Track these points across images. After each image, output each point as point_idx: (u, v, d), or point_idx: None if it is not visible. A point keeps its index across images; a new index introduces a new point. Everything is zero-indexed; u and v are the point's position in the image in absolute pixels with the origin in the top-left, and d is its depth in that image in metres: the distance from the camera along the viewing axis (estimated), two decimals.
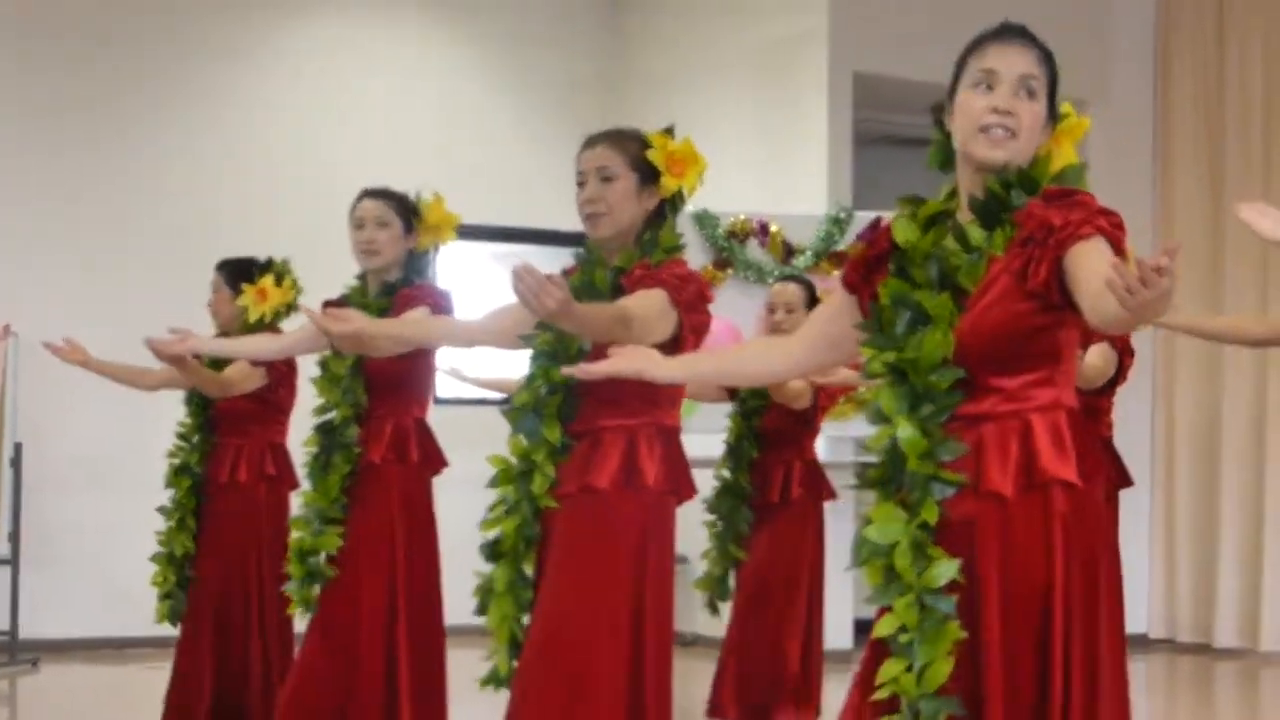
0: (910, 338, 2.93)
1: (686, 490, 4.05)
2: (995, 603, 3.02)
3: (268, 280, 6.27)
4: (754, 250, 8.07)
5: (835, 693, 4.00)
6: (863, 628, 5.75)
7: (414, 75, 9.90)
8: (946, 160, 3.15)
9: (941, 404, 3.02)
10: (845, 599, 8.08)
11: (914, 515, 3.02)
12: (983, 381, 2.95)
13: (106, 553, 8.61)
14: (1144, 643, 9.20)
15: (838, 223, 8.28)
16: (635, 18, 10.21)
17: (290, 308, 6.48)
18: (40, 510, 8.52)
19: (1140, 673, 8.39)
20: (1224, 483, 9.09)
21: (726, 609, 6.20)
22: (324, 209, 8.92)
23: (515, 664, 4.25)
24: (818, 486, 5.96)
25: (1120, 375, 5.70)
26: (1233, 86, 9.25)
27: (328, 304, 5.09)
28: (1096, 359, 5.29)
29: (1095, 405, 5.33)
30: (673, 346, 3.78)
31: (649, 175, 4.04)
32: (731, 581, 6.06)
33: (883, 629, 2.97)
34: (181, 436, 6.46)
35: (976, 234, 3.06)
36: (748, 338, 7.58)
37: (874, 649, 3.05)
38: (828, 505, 6.30)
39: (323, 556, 5.25)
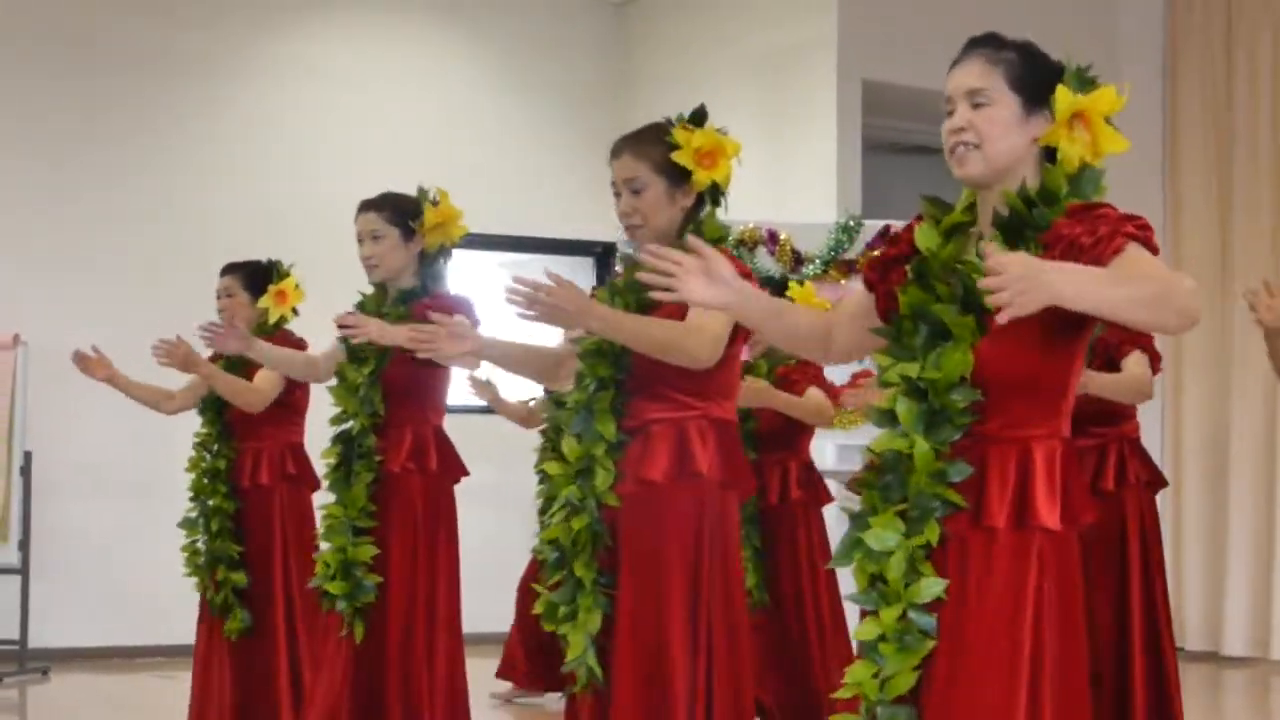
0: (929, 354, 3.00)
1: (746, 484, 4.10)
2: (971, 621, 3.11)
3: (289, 282, 6.27)
4: (763, 258, 8.03)
5: None
6: None
7: (418, 80, 9.99)
8: None
9: (957, 424, 3.09)
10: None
11: (914, 531, 3.11)
12: (993, 402, 3.02)
13: (116, 561, 8.72)
14: None
15: (847, 231, 8.30)
16: (640, 22, 10.24)
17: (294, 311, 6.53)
18: (49, 519, 8.57)
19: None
20: (1233, 490, 9.17)
21: None
22: (328, 216, 9.08)
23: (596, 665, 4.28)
24: (816, 488, 5.95)
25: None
26: (1242, 94, 9.29)
27: (346, 314, 5.17)
28: (1138, 367, 5.12)
29: (1122, 410, 5.26)
30: (730, 341, 3.91)
31: (678, 176, 4.06)
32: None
33: (864, 634, 3.08)
34: (201, 444, 6.43)
35: (1000, 250, 3.06)
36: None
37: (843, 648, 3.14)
38: (829, 510, 6.34)
39: (363, 568, 5.31)
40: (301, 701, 6.12)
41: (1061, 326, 2.98)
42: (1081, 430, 4.40)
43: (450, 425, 5.69)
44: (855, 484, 3.20)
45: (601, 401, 3.99)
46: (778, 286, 6.27)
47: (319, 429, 5.80)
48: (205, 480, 6.45)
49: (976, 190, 3.11)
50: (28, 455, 8.43)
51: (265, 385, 6.04)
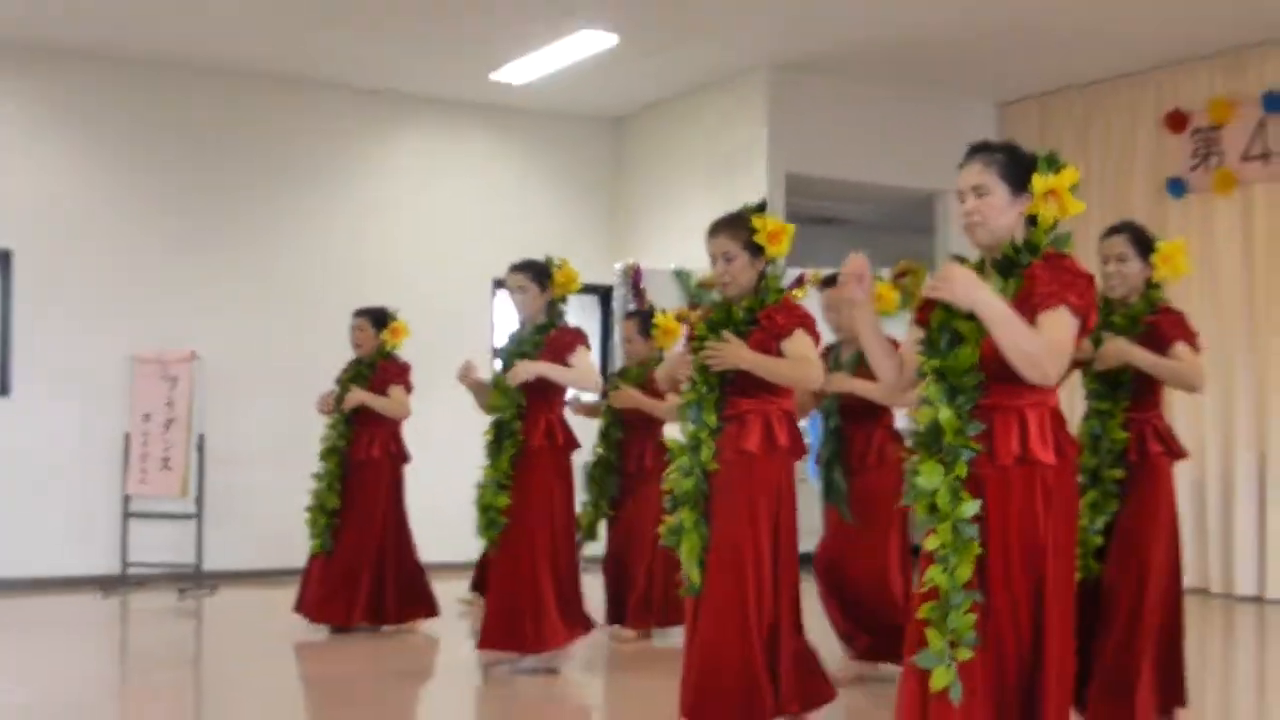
0: (950, 351, 3.08)
1: (801, 452, 4.19)
2: (997, 534, 3.09)
3: (400, 323, 6.87)
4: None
5: None
6: None
7: (468, 174, 9.95)
8: None
9: (969, 396, 3.11)
10: None
11: (950, 470, 3.08)
12: (995, 383, 3.09)
13: (261, 509, 8.85)
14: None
15: (773, 278, 8.32)
16: (629, 133, 10.35)
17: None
18: (216, 480, 8.75)
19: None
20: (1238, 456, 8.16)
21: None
22: (405, 271, 9.59)
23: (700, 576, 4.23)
24: (896, 450, 5.42)
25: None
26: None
27: (501, 347, 5.87)
28: (1187, 356, 4.17)
29: (1153, 392, 4.29)
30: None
31: (757, 249, 4.19)
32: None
33: (930, 544, 3.10)
34: (331, 426, 6.86)
35: (998, 282, 3.17)
36: None
37: (923, 560, 3.18)
38: None
39: (496, 511, 5.56)
40: (406, 608, 6.78)
41: None
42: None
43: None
44: (914, 447, 3.21)
45: (709, 401, 4.09)
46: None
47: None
48: (328, 452, 6.81)
49: (984, 250, 3.25)
50: (201, 437, 8.69)
51: (405, 400, 6.73)
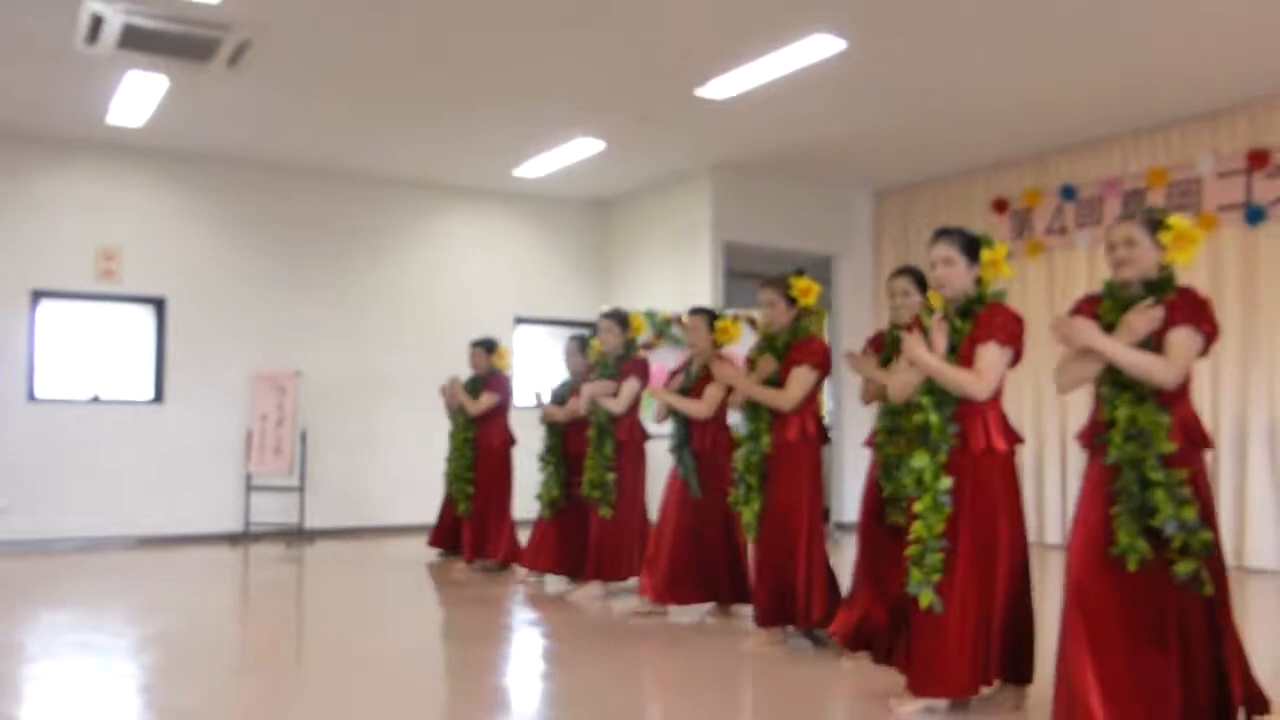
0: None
1: (823, 440, 4.13)
2: (966, 503, 3.11)
3: (504, 349, 6.83)
4: (675, 330, 8.26)
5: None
6: None
7: (499, 240, 9.91)
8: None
9: (950, 405, 3.15)
10: None
11: (935, 456, 3.13)
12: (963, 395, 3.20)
13: (348, 483, 8.95)
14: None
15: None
16: (615, 212, 10.25)
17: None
18: (315, 463, 8.83)
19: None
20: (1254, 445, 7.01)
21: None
22: (453, 313, 9.59)
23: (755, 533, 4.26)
24: (726, 439, 5.15)
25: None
26: (916, 249, 9.31)
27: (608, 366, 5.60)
28: (1169, 351, 3.02)
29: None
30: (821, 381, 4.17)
31: (792, 300, 4.28)
32: None
33: (916, 508, 3.16)
34: (464, 424, 6.81)
35: (958, 323, 3.30)
36: (665, 377, 7.23)
37: (909, 518, 3.20)
38: None
39: (603, 489, 5.45)
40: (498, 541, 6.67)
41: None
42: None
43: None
44: (909, 440, 3.26)
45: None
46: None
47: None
48: (461, 444, 6.76)
49: (950, 301, 3.36)
50: (303, 431, 8.73)
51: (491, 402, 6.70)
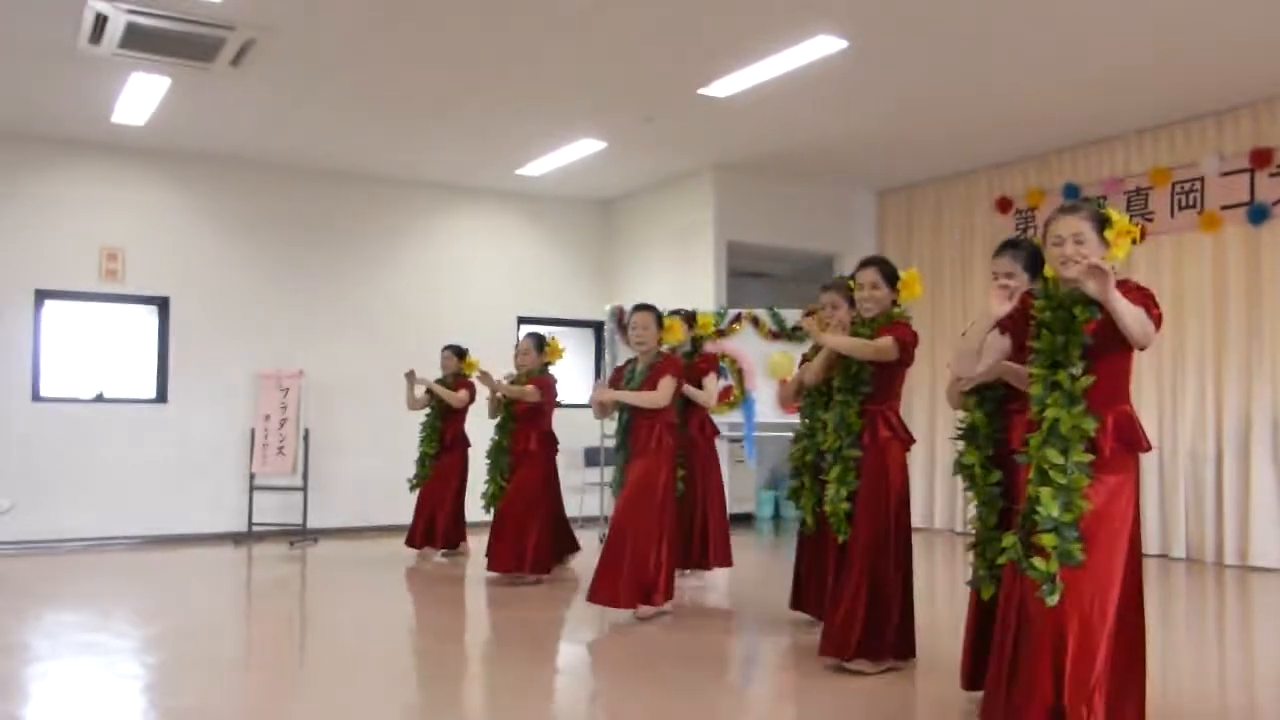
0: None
1: (911, 441, 4.08)
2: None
3: (555, 342, 6.44)
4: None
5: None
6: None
7: (500, 240, 9.98)
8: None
9: (996, 404, 3.26)
10: None
11: (982, 452, 3.26)
12: (1013, 393, 3.20)
13: (351, 485, 8.96)
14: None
15: (720, 315, 8.40)
16: (616, 211, 10.35)
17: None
18: (318, 463, 8.84)
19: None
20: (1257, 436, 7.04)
21: None
22: (456, 308, 9.56)
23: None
24: (670, 439, 5.13)
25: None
26: (919, 248, 9.44)
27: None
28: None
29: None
30: (899, 363, 3.96)
31: (853, 303, 4.12)
32: None
33: (974, 501, 3.28)
34: (498, 428, 6.44)
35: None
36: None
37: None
38: None
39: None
40: (545, 553, 6.17)
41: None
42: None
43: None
44: (959, 437, 3.33)
45: (820, 399, 4.20)
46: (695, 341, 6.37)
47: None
48: (498, 447, 6.36)
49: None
50: (306, 431, 8.77)
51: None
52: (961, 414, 3.36)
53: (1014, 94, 6.94)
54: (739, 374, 8.14)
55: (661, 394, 4.89)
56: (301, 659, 4.59)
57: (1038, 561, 2.66)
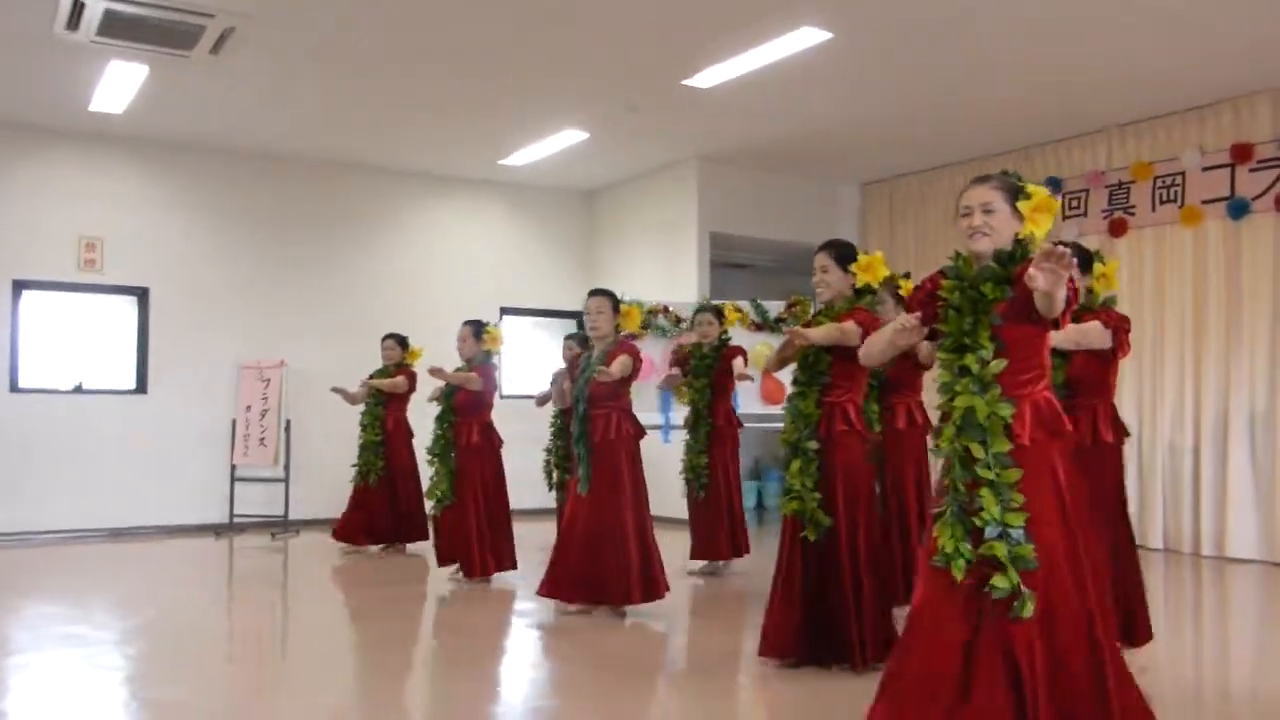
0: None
1: (869, 435, 3.97)
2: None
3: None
4: (661, 320, 8.09)
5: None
6: None
7: (482, 230, 9.94)
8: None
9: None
10: None
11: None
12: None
13: (330, 475, 8.63)
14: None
15: (702, 308, 8.39)
16: (599, 202, 10.34)
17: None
18: (299, 453, 8.86)
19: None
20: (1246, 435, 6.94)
21: None
22: (438, 297, 9.49)
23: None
24: (630, 427, 5.00)
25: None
26: (902, 240, 9.48)
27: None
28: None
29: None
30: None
31: (847, 269, 3.92)
32: None
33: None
34: (438, 420, 6.14)
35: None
36: (655, 365, 7.40)
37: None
38: None
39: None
40: (485, 546, 5.91)
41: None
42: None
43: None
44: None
45: (814, 393, 3.84)
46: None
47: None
48: (440, 439, 6.06)
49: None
50: (288, 422, 8.79)
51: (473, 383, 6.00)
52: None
53: (997, 87, 6.97)
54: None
55: (617, 366, 4.71)
56: (283, 650, 4.58)
57: (997, 580, 2.43)
